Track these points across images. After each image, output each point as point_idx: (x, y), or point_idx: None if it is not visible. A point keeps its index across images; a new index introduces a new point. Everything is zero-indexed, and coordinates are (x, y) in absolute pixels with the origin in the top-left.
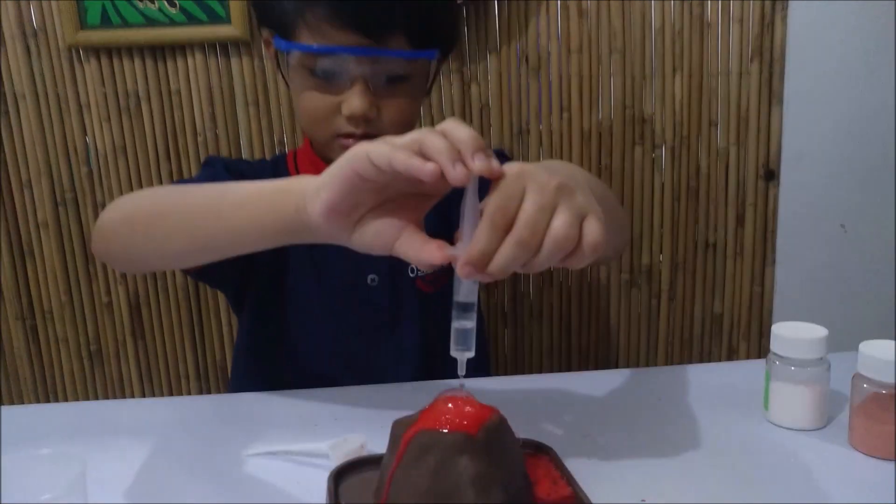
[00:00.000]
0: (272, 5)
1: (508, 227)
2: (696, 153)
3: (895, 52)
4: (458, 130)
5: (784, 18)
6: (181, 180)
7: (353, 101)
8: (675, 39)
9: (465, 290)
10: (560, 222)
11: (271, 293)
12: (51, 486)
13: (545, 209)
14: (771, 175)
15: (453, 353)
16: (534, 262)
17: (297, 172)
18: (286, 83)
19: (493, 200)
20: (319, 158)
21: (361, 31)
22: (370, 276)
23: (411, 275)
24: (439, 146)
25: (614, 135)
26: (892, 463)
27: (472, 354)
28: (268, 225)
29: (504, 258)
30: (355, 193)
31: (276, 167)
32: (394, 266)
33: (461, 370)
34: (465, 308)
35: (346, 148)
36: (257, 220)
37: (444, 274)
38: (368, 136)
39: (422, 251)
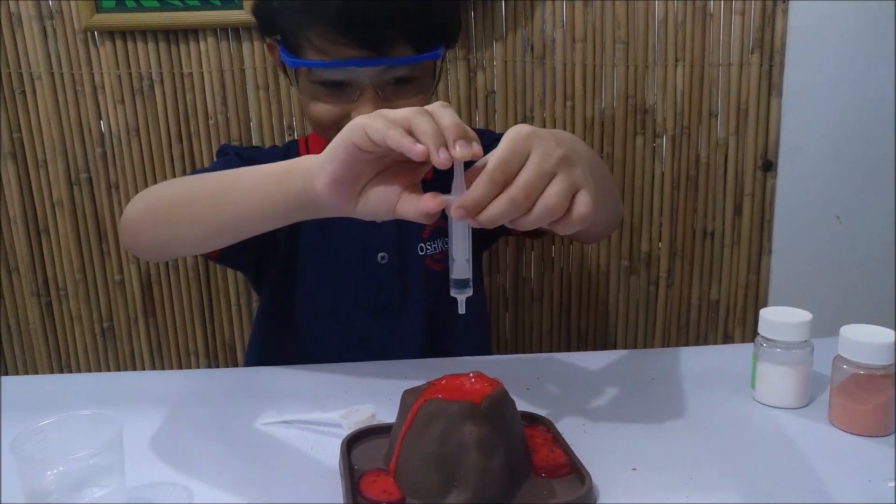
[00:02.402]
0: (275, 22)
1: (506, 183)
2: (696, 143)
3: (894, 47)
4: (444, 117)
5: (785, 12)
6: (197, 171)
7: (364, 110)
8: (677, 30)
9: (459, 268)
10: (554, 191)
11: (285, 273)
12: (90, 443)
13: (544, 175)
14: (769, 166)
15: (453, 294)
16: (523, 221)
17: None
18: (290, 83)
19: (498, 155)
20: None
21: (364, 46)
22: (380, 254)
23: (420, 253)
24: (427, 129)
25: (616, 123)
26: (868, 439)
27: (470, 293)
28: (278, 204)
29: (496, 211)
30: (356, 164)
31: (287, 153)
32: (403, 245)
33: (461, 308)
34: (460, 284)
35: None
36: (267, 201)
37: None
38: None
39: (419, 204)
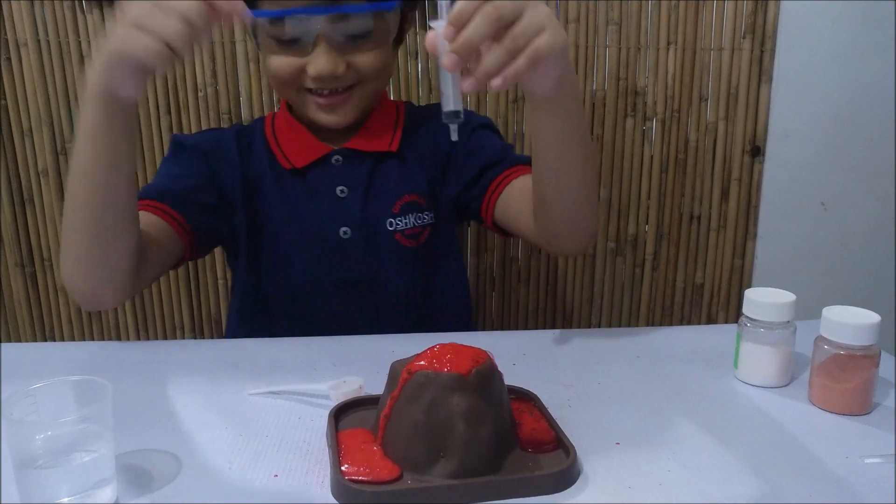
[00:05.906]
0: None
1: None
2: (686, 127)
3: (886, 35)
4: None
5: None
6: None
7: (318, 61)
8: (670, 13)
9: (446, 100)
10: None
11: (251, 248)
12: (79, 408)
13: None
14: (757, 151)
15: (444, 121)
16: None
17: (274, 135)
18: (256, 44)
19: None
20: (295, 119)
21: None
22: (342, 229)
23: (389, 228)
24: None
25: (607, 105)
26: (846, 417)
27: (462, 120)
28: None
29: (472, 30)
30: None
31: (252, 129)
32: (368, 219)
33: (454, 136)
34: (449, 116)
35: (319, 105)
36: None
37: (424, 228)
38: (339, 92)
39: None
